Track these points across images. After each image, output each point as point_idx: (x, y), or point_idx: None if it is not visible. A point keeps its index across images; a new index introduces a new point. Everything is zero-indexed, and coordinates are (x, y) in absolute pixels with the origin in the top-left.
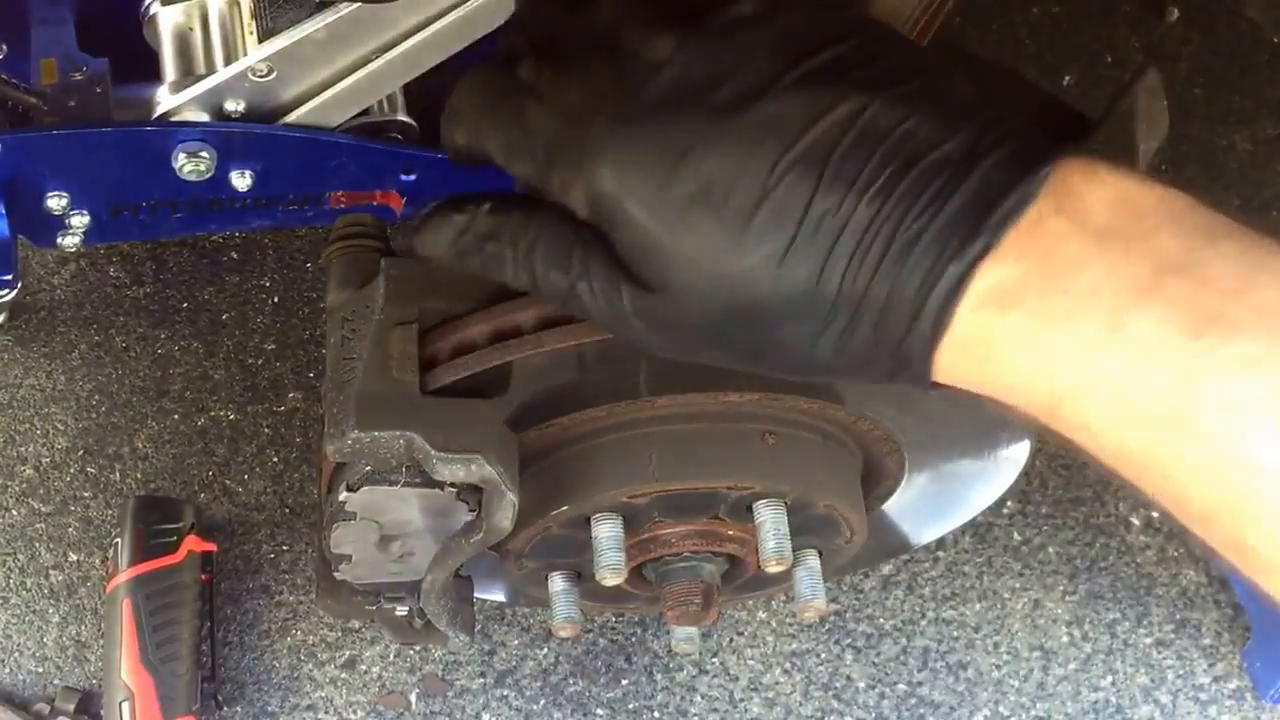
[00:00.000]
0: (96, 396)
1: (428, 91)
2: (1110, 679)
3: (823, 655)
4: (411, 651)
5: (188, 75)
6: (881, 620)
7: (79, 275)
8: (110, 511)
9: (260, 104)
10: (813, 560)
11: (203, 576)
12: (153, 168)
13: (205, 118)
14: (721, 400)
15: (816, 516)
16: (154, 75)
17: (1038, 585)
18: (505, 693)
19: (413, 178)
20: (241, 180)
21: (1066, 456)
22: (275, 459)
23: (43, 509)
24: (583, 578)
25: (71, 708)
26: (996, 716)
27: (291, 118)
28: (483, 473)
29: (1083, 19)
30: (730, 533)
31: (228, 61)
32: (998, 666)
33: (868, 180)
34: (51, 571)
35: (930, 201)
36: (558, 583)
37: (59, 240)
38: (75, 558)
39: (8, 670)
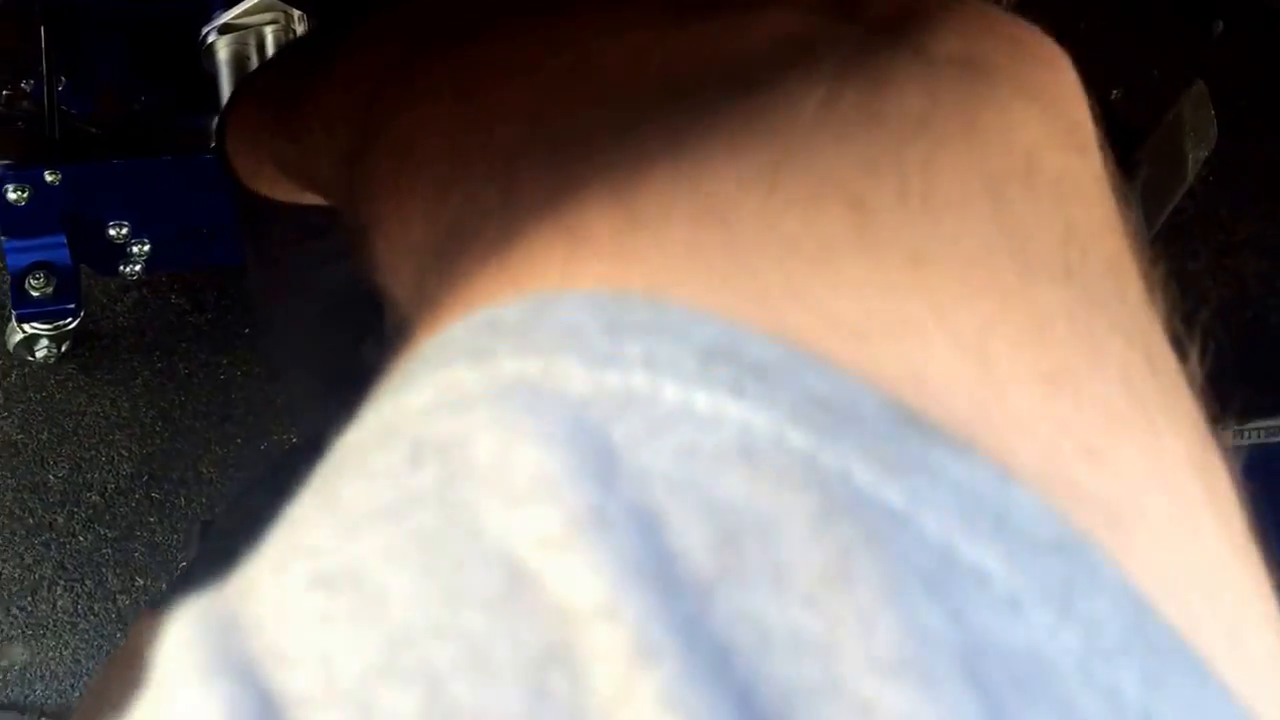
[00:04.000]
0: (160, 422)
1: None
2: None
3: None
4: None
5: None
6: None
7: (141, 302)
8: (176, 536)
9: None
10: None
11: None
12: (212, 196)
13: None
14: None
15: None
16: (213, 104)
17: None
18: None
19: None
20: None
21: None
22: None
23: (109, 534)
24: None
25: None
26: None
27: None
28: None
29: (1129, 34)
30: None
31: None
32: None
33: None
34: (119, 596)
35: None
36: None
37: (121, 268)
38: (142, 582)
39: (77, 695)
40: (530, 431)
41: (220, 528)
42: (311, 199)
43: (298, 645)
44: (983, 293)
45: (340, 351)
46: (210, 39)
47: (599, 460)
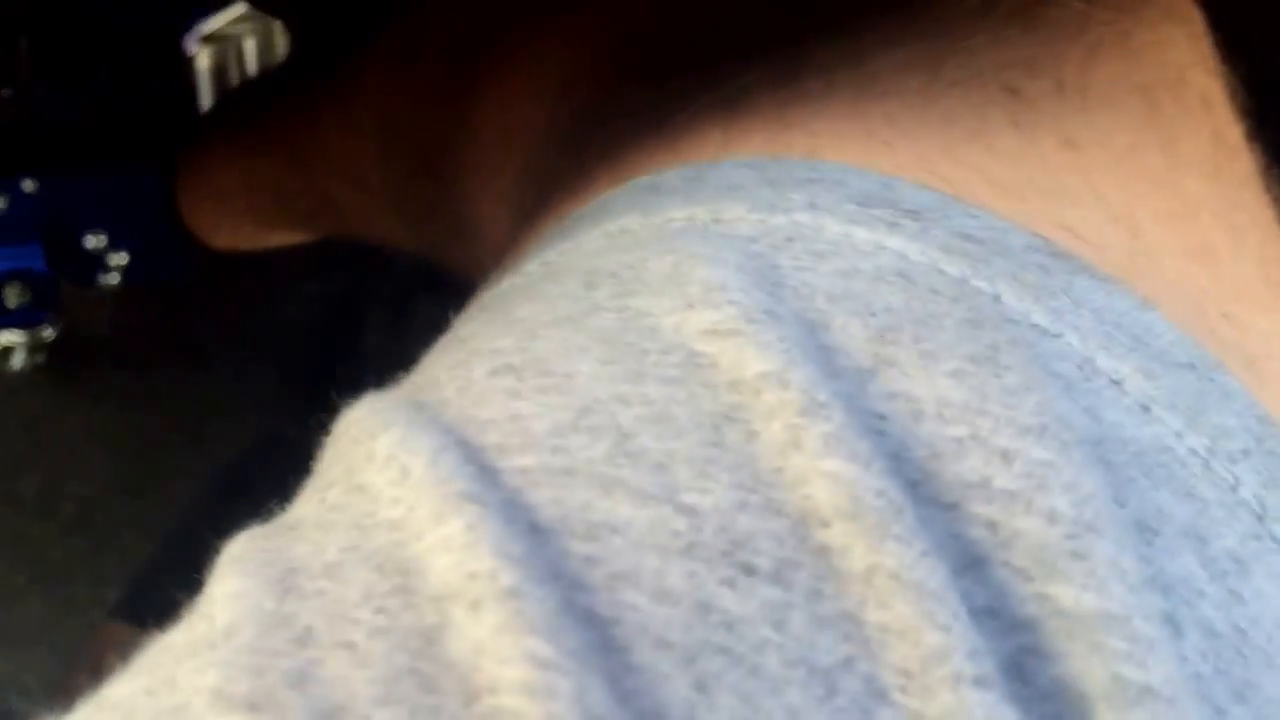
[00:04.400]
0: (135, 435)
1: None
2: None
3: None
4: None
5: None
6: None
7: (117, 315)
8: (150, 548)
9: None
10: None
11: None
12: None
13: None
14: None
15: None
16: (192, 113)
17: None
18: None
19: None
20: None
21: None
22: None
23: (82, 546)
24: None
25: None
26: None
27: None
28: None
29: None
30: None
31: None
32: None
33: None
34: (92, 609)
35: None
36: None
37: (98, 279)
38: (115, 594)
39: (50, 705)
40: (702, 254)
41: (180, 532)
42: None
43: (488, 411)
44: (1134, 176)
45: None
46: (191, 50)
47: (767, 275)
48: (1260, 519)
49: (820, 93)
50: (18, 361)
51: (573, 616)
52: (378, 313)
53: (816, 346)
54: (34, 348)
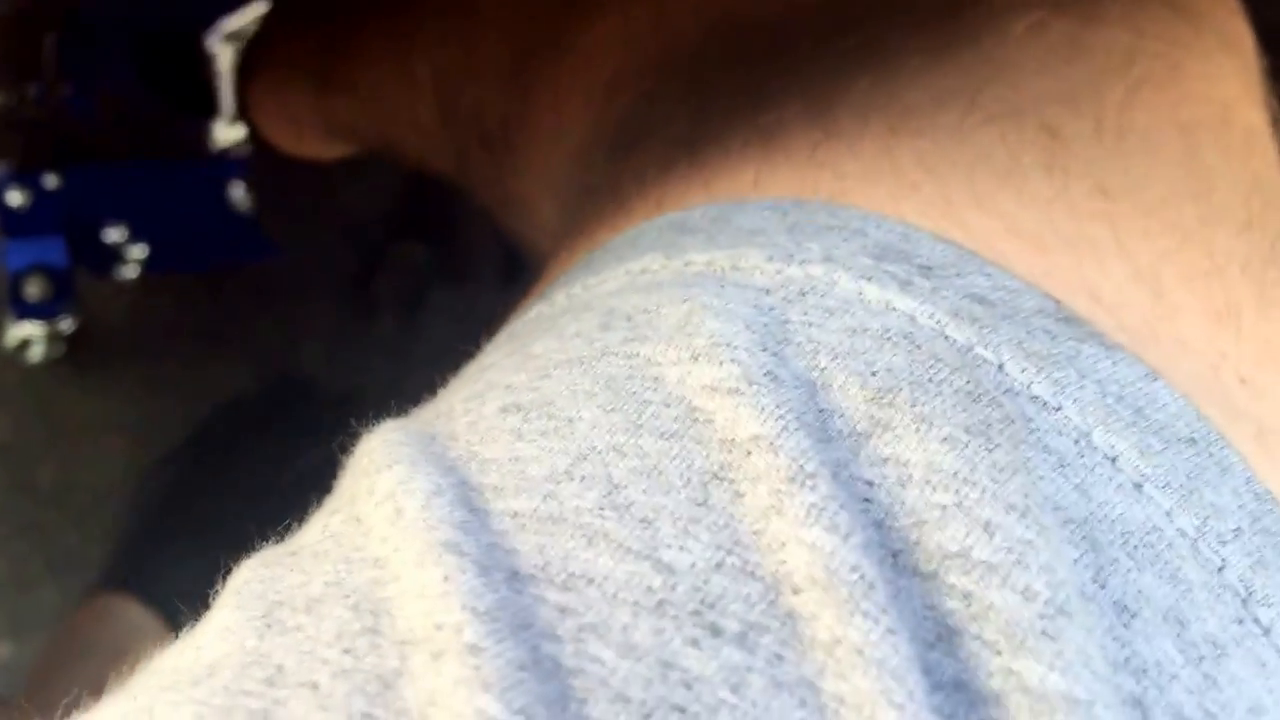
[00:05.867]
0: (150, 425)
1: None
2: None
3: None
4: None
5: None
6: None
7: (133, 305)
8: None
9: None
10: None
11: None
12: (209, 201)
13: None
14: None
15: None
16: (212, 109)
17: None
18: None
19: None
20: None
21: None
22: None
23: (96, 534)
24: None
25: None
26: None
27: None
28: None
29: None
30: None
31: None
32: None
33: None
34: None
35: None
36: None
37: (117, 271)
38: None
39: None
40: (713, 306)
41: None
42: (340, 152)
43: (492, 450)
44: (1164, 230)
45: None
46: (213, 48)
47: (773, 332)
48: (1245, 602)
49: (853, 130)
50: (36, 353)
51: (535, 669)
52: (390, 301)
53: (814, 410)
54: (53, 339)
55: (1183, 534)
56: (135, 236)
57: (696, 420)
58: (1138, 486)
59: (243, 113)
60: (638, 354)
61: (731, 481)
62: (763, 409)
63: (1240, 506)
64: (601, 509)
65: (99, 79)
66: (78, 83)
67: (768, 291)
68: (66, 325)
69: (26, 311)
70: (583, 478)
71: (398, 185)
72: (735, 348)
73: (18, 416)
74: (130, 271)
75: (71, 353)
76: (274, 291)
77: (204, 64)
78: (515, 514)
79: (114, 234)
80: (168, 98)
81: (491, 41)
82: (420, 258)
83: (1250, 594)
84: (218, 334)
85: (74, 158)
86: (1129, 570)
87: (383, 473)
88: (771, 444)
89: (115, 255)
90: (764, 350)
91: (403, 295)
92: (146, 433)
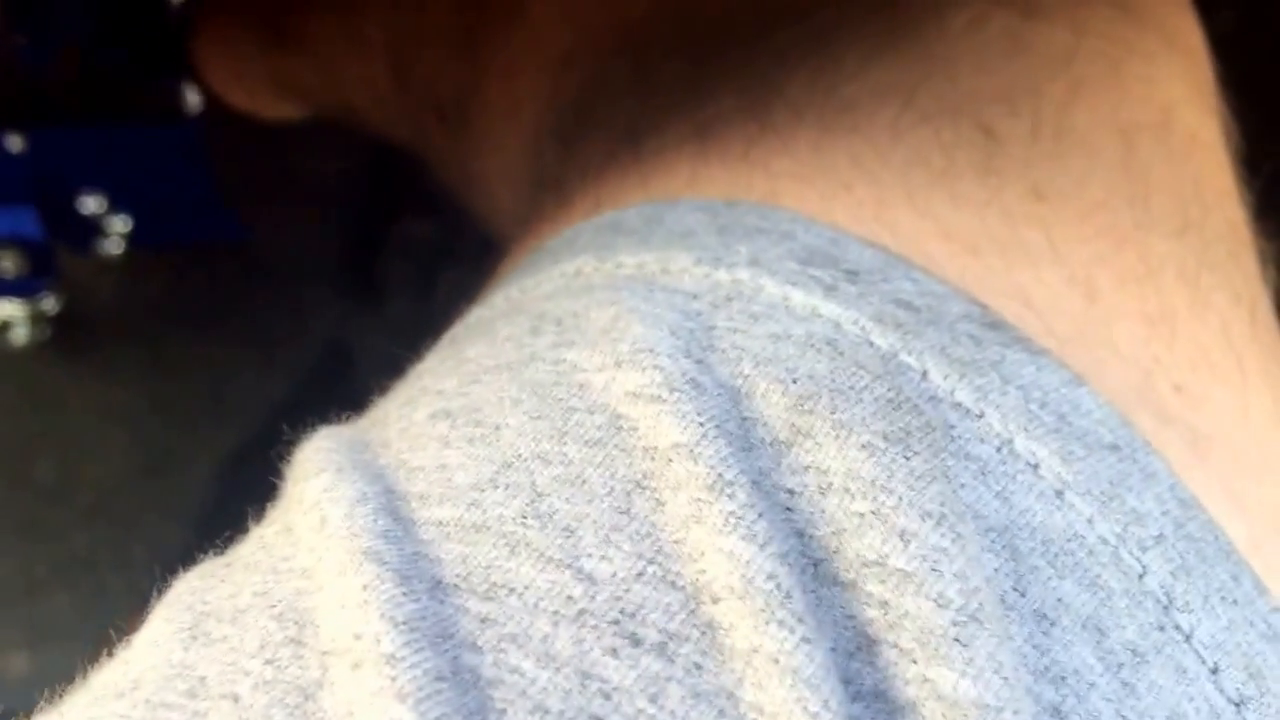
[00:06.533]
0: (152, 412)
1: None
2: None
3: None
4: None
5: None
6: None
7: (122, 284)
8: (179, 532)
9: None
10: None
11: None
12: (191, 168)
13: None
14: None
15: None
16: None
17: None
18: None
19: None
20: None
21: None
22: None
23: (106, 533)
24: None
25: None
26: None
27: None
28: None
29: None
30: None
31: None
32: None
33: None
34: (124, 600)
35: None
36: None
37: (99, 246)
38: (145, 583)
39: None
40: (640, 310)
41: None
42: (295, 112)
43: (420, 458)
44: (1099, 234)
45: (350, 250)
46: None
47: (698, 338)
48: (1166, 609)
49: (788, 127)
50: (20, 336)
51: (454, 679)
52: (399, 282)
53: (737, 417)
54: (36, 320)
55: (1104, 541)
56: (115, 207)
57: (620, 428)
58: (1059, 494)
59: (191, 70)
60: (564, 359)
61: (653, 490)
62: (684, 416)
63: (1164, 513)
64: (524, 517)
65: (54, 30)
66: (32, 34)
67: (695, 296)
68: (50, 305)
69: (3, 289)
70: (507, 486)
71: (389, 158)
72: (659, 354)
73: (7, 406)
74: (114, 246)
75: (59, 336)
76: (271, 270)
77: (171, 18)
78: (440, 522)
79: (91, 204)
80: (132, 53)
81: (443, 6)
82: (426, 234)
83: (1171, 600)
84: (216, 315)
85: (38, 118)
86: (1049, 578)
87: (310, 480)
88: (692, 452)
89: (95, 228)
90: (688, 357)
91: (412, 276)
92: (152, 422)
